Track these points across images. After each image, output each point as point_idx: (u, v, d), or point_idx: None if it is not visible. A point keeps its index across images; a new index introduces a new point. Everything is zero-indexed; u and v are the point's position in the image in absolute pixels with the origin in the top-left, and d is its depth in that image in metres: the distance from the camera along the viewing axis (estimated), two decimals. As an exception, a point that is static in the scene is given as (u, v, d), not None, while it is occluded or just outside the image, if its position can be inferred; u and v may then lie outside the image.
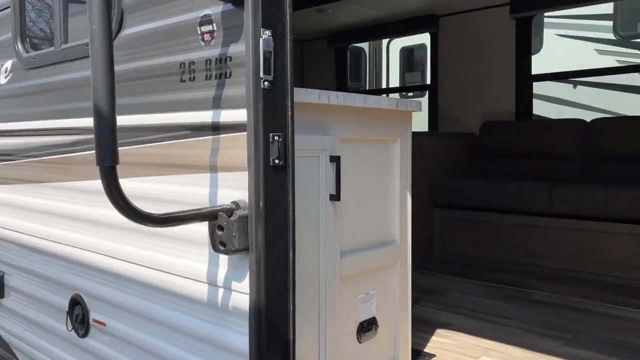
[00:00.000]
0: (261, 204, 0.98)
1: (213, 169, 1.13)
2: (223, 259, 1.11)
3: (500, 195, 3.34)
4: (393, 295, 1.80)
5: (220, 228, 1.01)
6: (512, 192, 3.29)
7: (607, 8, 5.10)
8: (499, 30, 4.12)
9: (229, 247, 1.00)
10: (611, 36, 5.08)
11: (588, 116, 4.44)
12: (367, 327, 1.70)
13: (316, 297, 1.47)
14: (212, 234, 1.04)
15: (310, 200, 1.43)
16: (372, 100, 1.58)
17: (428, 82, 4.96)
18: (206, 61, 1.12)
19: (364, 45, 6.91)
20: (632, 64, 4.88)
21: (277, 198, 1.00)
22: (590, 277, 3.01)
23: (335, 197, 1.47)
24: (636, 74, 4.94)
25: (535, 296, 2.75)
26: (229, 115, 1.10)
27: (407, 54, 6.75)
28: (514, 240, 3.31)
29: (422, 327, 2.31)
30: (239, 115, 1.08)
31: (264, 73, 0.97)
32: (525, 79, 4.05)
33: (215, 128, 1.12)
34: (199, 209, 1.03)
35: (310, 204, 1.43)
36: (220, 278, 1.13)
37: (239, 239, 0.99)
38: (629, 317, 2.41)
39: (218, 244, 1.03)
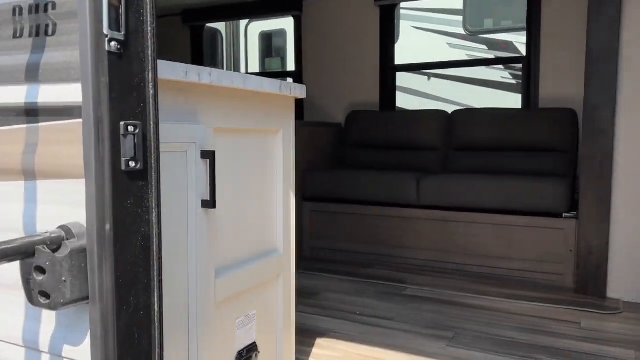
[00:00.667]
0: (107, 228, 0.64)
1: (28, 175, 0.74)
2: (49, 314, 0.74)
3: (368, 187, 3.24)
4: (276, 312, 1.53)
5: (41, 270, 0.64)
6: (380, 183, 3.21)
7: (458, 3, 5.33)
8: (364, 18, 4.03)
9: (55, 298, 0.63)
10: (461, 31, 5.33)
11: (442, 108, 4.56)
12: (246, 355, 1.41)
13: (184, 333, 1.14)
14: (26, 281, 0.66)
15: (176, 210, 1.10)
16: (253, 82, 1.28)
17: (290, 69, 4.75)
18: (14, 9, 0.73)
19: (220, 27, 6.48)
20: (479, 58, 5.16)
21: (134, 218, 0.66)
22: (457, 268, 3.04)
23: (209, 203, 1.15)
24: (485, 68, 5.24)
25: (408, 291, 2.68)
26: (52, 94, 0.73)
27: (267, 38, 6.48)
28: (384, 233, 3.24)
29: (302, 338, 2.08)
30: (70, 93, 0.72)
31: (110, 28, 0.62)
32: (389, 69, 4.02)
33: (32, 113, 0.74)
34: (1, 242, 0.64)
35: (175, 215, 1.09)
36: (44, 341, 0.75)
37: (72, 285, 0.63)
38: (497, 308, 2.43)
39: (37, 295, 0.65)
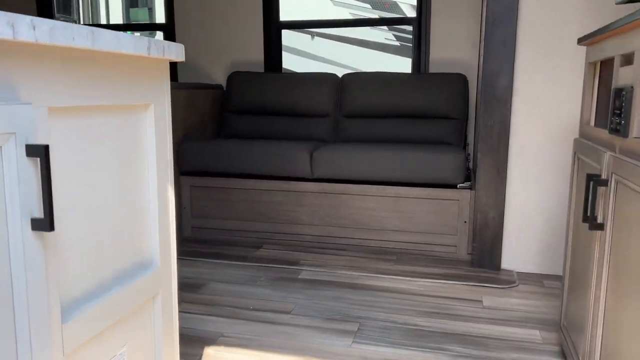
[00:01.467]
0: None
1: None
2: None
3: (255, 160, 2.92)
4: (154, 342, 1.19)
5: None
6: (269, 155, 2.90)
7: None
8: (244, -34, 3.61)
9: None
10: (346, -12, 5.08)
11: (327, 70, 4.33)
12: (115, 406, 1.07)
13: (16, 415, 0.77)
14: None
15: (-13, 239, 0.71)
16: (107, 40, 0.89)
17: (160, 21, 4.17)
18: None
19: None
20: (366, 18, 4.97)
21: None
22: (353, 243, 2.87)
23: (44, 223, 0.77)
24: (369, 28, 5.07)
25: (304, 274, 2.45)
26: None
27: (131, -15, 5.71)
28: (274, 208, 2.96)
29: (185, 349, 1.75)
30: None
31: None
32: (274, 25, 3.66)
33: None
34: None
35: (-14, 248, 0.70)
36: None
37: None
38: (399, 289, 2.29)
39: None
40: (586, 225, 1.43)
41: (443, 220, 2.75)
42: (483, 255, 2.54)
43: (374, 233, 2.84)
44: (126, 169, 1.05)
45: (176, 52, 1.11)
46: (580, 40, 1.62)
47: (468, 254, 2.74)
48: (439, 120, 3.19)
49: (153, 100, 1.11)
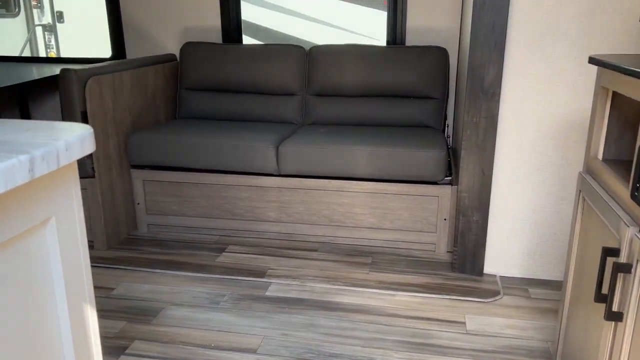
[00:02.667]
0: None
1: None
2: None
3: (213, 153, 2.61)
4: None
5: None
6: (229, 148, 2.60)
7: None
8: None
9: None
10: None
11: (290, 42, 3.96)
12: None
13: None
14: None
15: None
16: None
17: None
18: None
19: None
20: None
21: None
22: (325, 241, 2.65)
23: None
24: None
25: (272, 289, 2.24)
26: None
27: None
28: (237, 205, 2.70)
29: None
30: None
31: None
32: (230, -13, 3.22)
33: None
34: None
35: None
36: None
37: None
38: (378, 309, 2.10)
39: None
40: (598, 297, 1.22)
41: (422, 217, 2.54)
42: (465, 260, 2.36)
43: (348, 231, 2.62)
44: (22, 309, 0.77)
45: (81, 147, 0.81)
46: (593, 61, 1.35)
47: (448, 252, 2.56)
48: (417, 100, 2.91)
49: (54, 212, 0.82)
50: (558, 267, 2.31)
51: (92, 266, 2.45)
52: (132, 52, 3.41)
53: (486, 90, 2.13)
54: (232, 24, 3.24)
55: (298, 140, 2.58)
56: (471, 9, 2.14)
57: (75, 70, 2.38)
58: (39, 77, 3.03)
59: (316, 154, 2.51)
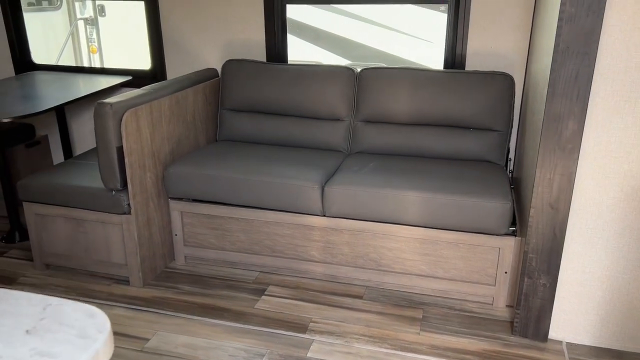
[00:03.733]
0: None
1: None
2: None
3: (253, 190, 2.44)
4: None
5: None
6: (271, 186, 2.42)
7: None
8: None
9: None
10: None
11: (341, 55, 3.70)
12: None
13: None
14: None
15: None
16: None
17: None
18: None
19: None
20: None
21: None
22: (371, 286, 2.46)
23: None
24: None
25: (315, 348, 2.08)
26: None
27: None
28: (279, 242, 2.54)
29: None
30: None
31: None
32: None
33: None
34: None
35: None
36: None
37: None
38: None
39: None
40: None
41: (479, 268, 2.32)
42: (527, 323, 2.14)
43: (396, 277, 2.43)
44: None
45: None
46: None
47: (507, 306, 2.34)
48: (476, 131, 2.65)
49: None
50: (634, 339, 2.06)
51: (127, 308, 2.35)
52: (172, 64, 3.25)
53: (564, 146, 1.87)
54: (277, 40, 3.03)
55: (345, 180, 2.38)
56: (543, 29, 1.87)
57: (110, 105, 2.24)
58: (83, 95, 2.92)
59: (364, 197, 2.31)
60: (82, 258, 2.57)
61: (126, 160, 2.31)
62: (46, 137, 3.63)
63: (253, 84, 2.88)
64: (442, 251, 2.34)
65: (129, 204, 2.38)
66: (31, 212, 2.55)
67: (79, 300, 2.40)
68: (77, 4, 5.48)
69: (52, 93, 2.99)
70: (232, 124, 2.95)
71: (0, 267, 2.67)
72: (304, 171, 2.46)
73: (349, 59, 5.11)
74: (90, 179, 2.47)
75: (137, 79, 3.32)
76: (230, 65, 2.94)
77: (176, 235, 2.67)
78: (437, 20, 4.33)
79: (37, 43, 4.74)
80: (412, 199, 2.26)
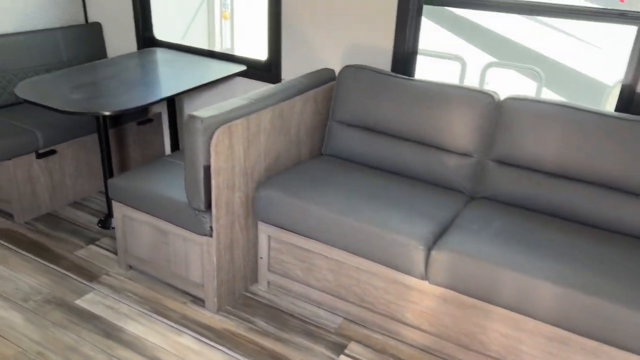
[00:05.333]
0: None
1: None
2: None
3: (348, 235, 2.08)
4: None
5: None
6: (368, 235, 2.04)
7: None
8: None
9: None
10: None
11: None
12: None
13: None
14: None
15: None
16: None
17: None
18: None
19: None
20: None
21: None
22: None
23: None
24: None
25: None
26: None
27: None
28: (370, 292, 2.17)
29: None
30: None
31: None
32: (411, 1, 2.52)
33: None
34: None
35: None
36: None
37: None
38: None
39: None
40: None
41: (619, 389, 1.78)
42: None
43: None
44: None
45: None
46: None
47: None
48: (646, 202, 2.02)
49: None
50: None
51: (195, 339, 2.16)
52: (289, 58, 2.93)
53: None
54: (406, 48, 2.57)
55: (458, 245, 1.92)
56: None
57: (202, 120, 1.98)
58: (195, 85, 2.74)
59: (480, 273, 1.85)
60: (163, 268, 2.42)
61: (213, 181, 2.06)
62: (159, 114, 3.55)
63: (371, 96, 2.48)
64: (575, 357, 1.82)
65: (211, 227, 2.15)
66: (120, 212, 2.44)
67: (151, 317, 2.26)
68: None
69: (166, 78, 2.84)
70: (341, 139, 2.59)
71: (88, 257, 2.63)
72: (411, 221, 2.04)
73: (495, 56, 4.44)
74: (178, 189, 2.28)
75: (251, 69, 3.06)
76: (349, 71, 2.55)
77: (261, 258, 2.42)
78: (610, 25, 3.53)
79: (167, 15, 4.66)
80: (543, 291, 1.76)
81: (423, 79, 2.44)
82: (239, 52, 5.44)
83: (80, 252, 2.66)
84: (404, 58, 2.59)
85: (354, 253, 2.13)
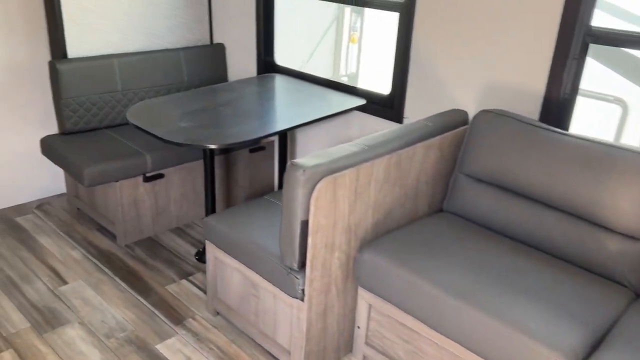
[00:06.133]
0: None
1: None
2: None
3: (467, 320, 1.66)
4: None
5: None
6: (492, 326, 1.61)
7: None
8: None
9: None
10: None
11: None
12: None
13: None
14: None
15: None
16: None
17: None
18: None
19: None
20: None
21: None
22: None
23: None
24: None
25: None
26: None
27: None
28: (488, 401, 1.73)
29: None
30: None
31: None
32: (576, 36, 2.04)
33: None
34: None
35: None
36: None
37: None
38: None
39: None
40: None
41: None
42: None
43: None
44: None
45: None
46: None
47: None
48: None
49: None
50: None
51: (273, 416, 1.87)
52: (414, 94, 2.58)
53: None
54: (562, 95, 2.09)
55: (622, 370, 1.42)
56: None
57: (303, 169, 1.70)
58: (310, 120, 2.49)
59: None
60: (250, 323, 2.18)
61: (309, 240, 1.77)
62: (272, 143, 3.38)
63: (513, 150, 2.03)
64: None
65: (303, 290, 1.85)
66: (212, 253, 2.24)
67: (229, 378, 2.02)
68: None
69: (281, 109, 2.64)
70: (467, 195, 2.17)
71: (179, 294, 2.47)
72: (553, 321, 1.57)
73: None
74: (274, 239, 2.02)
75: (371, 103, 2.75)
76: (487, 116, 2.13)
77: (359, 327, 2.08)
78: None
79: (292, 36, 4.54)
80: None
81: (583, 135, 1.95)
82: (363, 77, 5.16)
83: (172, 287, 2.51)
84: (557, 106, 2.11)
85: (471, 350, 1.71)
